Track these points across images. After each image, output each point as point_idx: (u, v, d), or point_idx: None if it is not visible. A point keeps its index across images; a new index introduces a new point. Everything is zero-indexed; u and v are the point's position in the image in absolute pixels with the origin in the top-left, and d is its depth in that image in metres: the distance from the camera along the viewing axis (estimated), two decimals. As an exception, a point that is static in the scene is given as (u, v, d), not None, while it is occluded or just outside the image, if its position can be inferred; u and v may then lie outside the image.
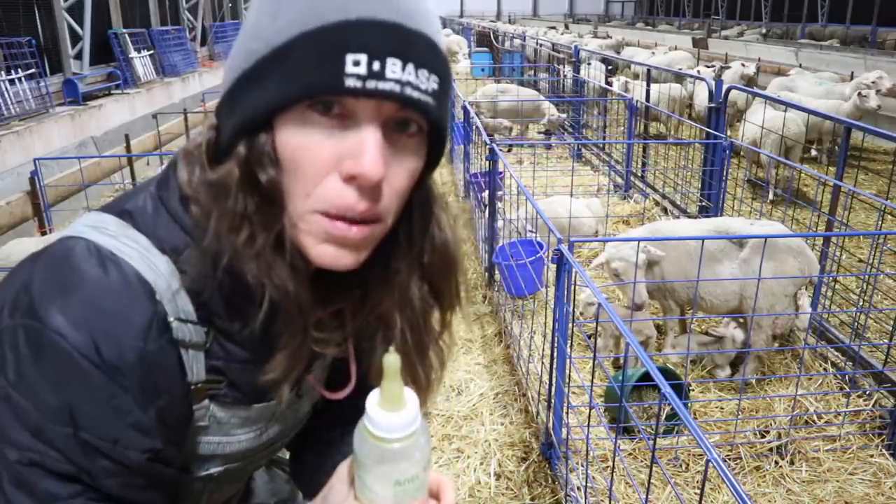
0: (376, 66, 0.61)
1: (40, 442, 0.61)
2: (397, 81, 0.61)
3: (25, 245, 4.03)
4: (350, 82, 0.60)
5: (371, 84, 0.61)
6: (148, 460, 0.66)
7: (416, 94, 0.62)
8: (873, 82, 6.50)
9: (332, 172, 0.63)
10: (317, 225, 0.65)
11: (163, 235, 0.69)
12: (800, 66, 11.96)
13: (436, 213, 0.76)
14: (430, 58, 0.64)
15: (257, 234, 0.65)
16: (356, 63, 0.60)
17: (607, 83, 8.19)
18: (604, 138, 7.93)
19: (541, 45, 12.28)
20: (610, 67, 9.81)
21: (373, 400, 0.63)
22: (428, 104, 0.64)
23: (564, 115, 8.30)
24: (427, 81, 0.63)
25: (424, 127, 0.67)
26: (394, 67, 0.61)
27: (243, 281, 0.66)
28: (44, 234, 4.87)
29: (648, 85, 7.63)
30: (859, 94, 6.51)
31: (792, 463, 2.79)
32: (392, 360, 0.61)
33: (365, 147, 0.62)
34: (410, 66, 0.62)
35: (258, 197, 0.65)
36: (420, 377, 0.79)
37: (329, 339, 0.74)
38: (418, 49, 0.63)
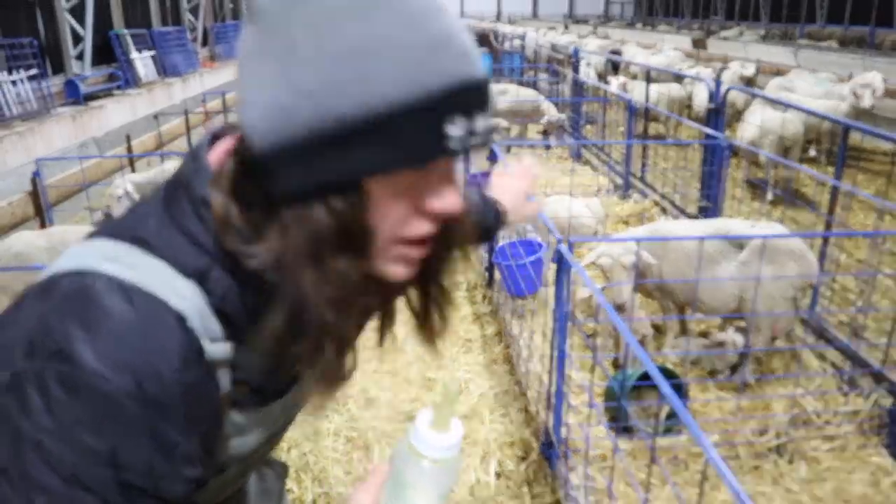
0: (472, 126, 0.63)
1: (75, 488, 0.59)
2: (481, 133, 0.65)
3: (27, 237, 4.03)
4: (452, 145, 0.62)
5: (468, 142, 0.64)
6: (191, 491, 0.66)
7: (486, 138, 0.66)
8: (865, 84, 6.51)
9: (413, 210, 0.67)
10: (394, 251, 0.69)
11: (183, 259, 0.67)
12: (798, 65, 11.99)
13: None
14: (490, 101, 0.67)
15: (338, 280, 0.66)
16: (455, 125, 0.62)
17: (605, 82, 8.20)
18: (603, 139, 7.94)
19: (540, 46, 12.30)
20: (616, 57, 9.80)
21: (424, 421, 0.67)
22: (489, 143, 0.68)
23: (563, 116, 8.31)
24: (487, 121, 0.66)
25: None
26: (482, 122, 0.64)
27: (270, 293, 0.67)
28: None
29: (648, 85, 7.64)
30: (854, 93, 6.52)
31: (791, 462, 2.80)
32: (453, 386, 0.67)
33: (451, 187, 0.67)
34: (484, 115, 0.65)
35: (347, 244, 0.65)
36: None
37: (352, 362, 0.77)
38: (490, 97, 0.66)
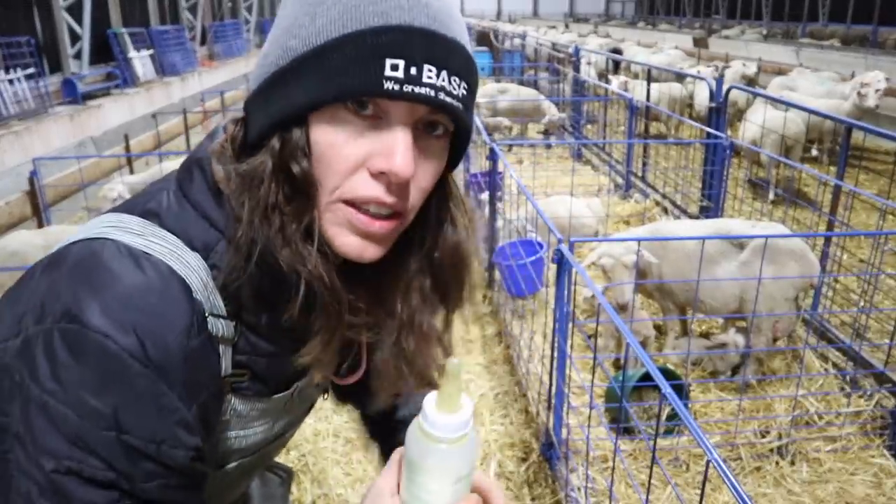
0: (413, 71, 0.64)
1: (80, 449, 0.60)
2: (432, 86, 0.65)
3: (24, 236, 4.02)
4: (388, 85, 0.63)
5: (408, 88, 0.64)
6: (191, 459, 0.66)
7: (448, 100, 0.66)
8: (867, 83, 6.49)
9: (361, 168, 0.67)
10: (343, 214, 0.68)
11: (192, 232, 0.70)
12: (800, 64, 11.96)
13: (451, 211, 0.79)
14: (462, 65, 0.68)
15: (288, 224, 0.67)
16: (394, 67, 0.63)
17: (606, 81, 8.18)
18: (604, 138, 7.92)
19: (541, 45, 12.28)
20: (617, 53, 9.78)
21: (430, 403, 0.65)
22: (458, 109, 0.68)
23: (564, 115, 8.29)
24: (458, 88, 0.67)
25: (451, 129, 0.71)
26: (430, 73, 0.65)
27: (274, 272, 0.68)
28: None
29: (649, 85, 7.63)
30: (858, 93, 6.50)
31: (792, 463, 2.78)
32: (454, 365, 0.65)
33: (397, 146, 0.66)
34: (444, 73, 0.66)
35: (290, 188, 0.67)
36: (419, 371, 0.81)
37: (360, 323, 0.76)
38: (452, 57, 0.67)
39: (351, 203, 0.68)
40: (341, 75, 0.64)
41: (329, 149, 0.66)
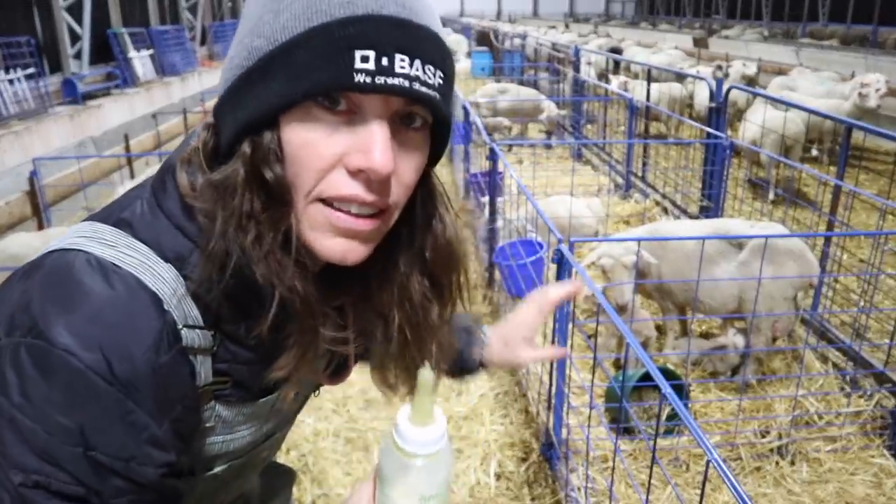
0: (385, 61, 0.61)
1: (47, 464, 0.59)
2: (406, 77, 0.62)
3: (23, 239, 4.02)
4: (359, 77, 0.60)
5: (380, 79, 0.61)
6: (162, 476, 0.65)
7: (423, 89, 0.63)
8: (866, 84, 6.48)
9: (338, 167, 0.64)
10: (322, 216, 0.65)
11: (165, 243, 0.67)
12: (800, 64, 11.96)
13: (438, 208, 0.76)
14: (436, 53, 0.65)
15: (265, 234, 0.64)
16: (364, 59, 0.61)
17: (606, 81, 8.18)
18: (604, 138, 7.92)
19: (541, 45, 12.28)
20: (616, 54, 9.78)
21: (403, 415, 0.64)
22: (434, 99, 0.65)
23: (564, 112, 8.28)
24: (433, 77, 0.64)
25: (429, 121, 0.68)
26: (402, 63, 0.62)
27: (250, 282, 0.65)
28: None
29: (649, 84, 7.62)
30: (859, 93, 6.50)
31: (793, 463, 2.78)
32: (426, 377, 0.63)
33: (374, 141, 0.63)
34: (418, 62, 0.63)
35: (265, 195, 0.64)
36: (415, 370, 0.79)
37: (340, 337, 0.74)
38: (425, 45, 0.64)
39: (329, 204, 0.65)
40: (309, 71, 0.61)
41: (302, 149, 0.63)
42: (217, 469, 0.80)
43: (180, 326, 0.66)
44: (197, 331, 0.68)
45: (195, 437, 0.73)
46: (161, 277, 0.66)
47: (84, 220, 0.71)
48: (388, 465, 0.64)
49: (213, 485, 0.82)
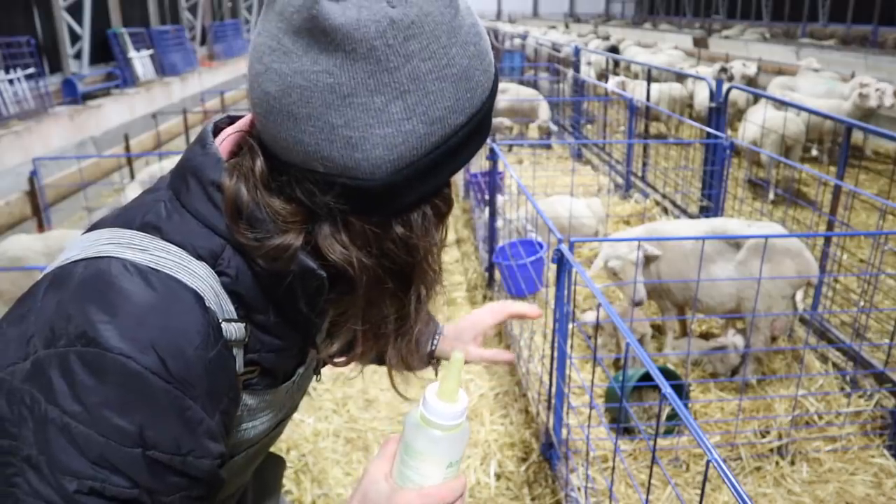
0: None
1: (103, 469, 0.60)
2: None
3: (22, 241, 4.00)
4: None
5: None
6: (217, 466, 0.67)
7: None
8: (866, 84, 6.48)
9: None
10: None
11: (197, 242, 0.69)
12: (802, 65, 11.95)
13: None
14: None
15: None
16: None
17: (605, 81, 8.18)
18: (604, 138, 7.92)
19: (541, 45, 12.28)
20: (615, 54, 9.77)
21: (432, 392, 0.71)
22: None
23: (554, 126, 8.26)
24: None
25: None
26: None
27: (279, 271, 0.70)
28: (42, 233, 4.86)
29: (649, 84, 7.62)
30: (860, 93, 6.49)
31: (792, 463, 2.78)
32: (457, 359, 0.70)
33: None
34: None
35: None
36: (401, 351, 0.84)
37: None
38: None
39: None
40: (485, 134, 0.72)
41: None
42: (237, 457, 0.82)
43: (221, 321, 0.68)
44: (233, 324, 0.71)
45: (232, 429, 0.75)
46: (198, 275, 0.68)
47: (98, 228, 0.72)
48: (417, 438, 0.70)
49: (230, 472, 0.83)
